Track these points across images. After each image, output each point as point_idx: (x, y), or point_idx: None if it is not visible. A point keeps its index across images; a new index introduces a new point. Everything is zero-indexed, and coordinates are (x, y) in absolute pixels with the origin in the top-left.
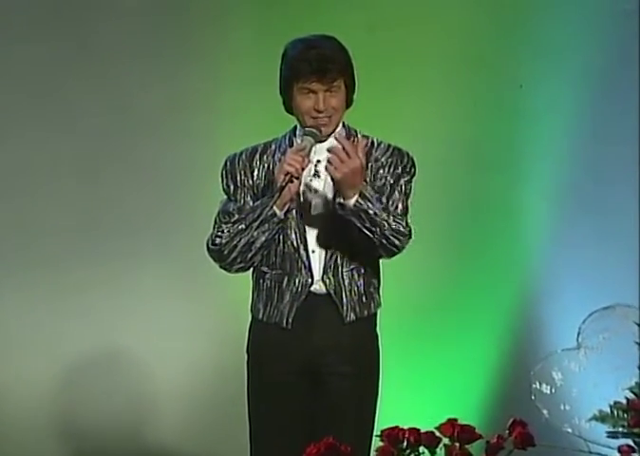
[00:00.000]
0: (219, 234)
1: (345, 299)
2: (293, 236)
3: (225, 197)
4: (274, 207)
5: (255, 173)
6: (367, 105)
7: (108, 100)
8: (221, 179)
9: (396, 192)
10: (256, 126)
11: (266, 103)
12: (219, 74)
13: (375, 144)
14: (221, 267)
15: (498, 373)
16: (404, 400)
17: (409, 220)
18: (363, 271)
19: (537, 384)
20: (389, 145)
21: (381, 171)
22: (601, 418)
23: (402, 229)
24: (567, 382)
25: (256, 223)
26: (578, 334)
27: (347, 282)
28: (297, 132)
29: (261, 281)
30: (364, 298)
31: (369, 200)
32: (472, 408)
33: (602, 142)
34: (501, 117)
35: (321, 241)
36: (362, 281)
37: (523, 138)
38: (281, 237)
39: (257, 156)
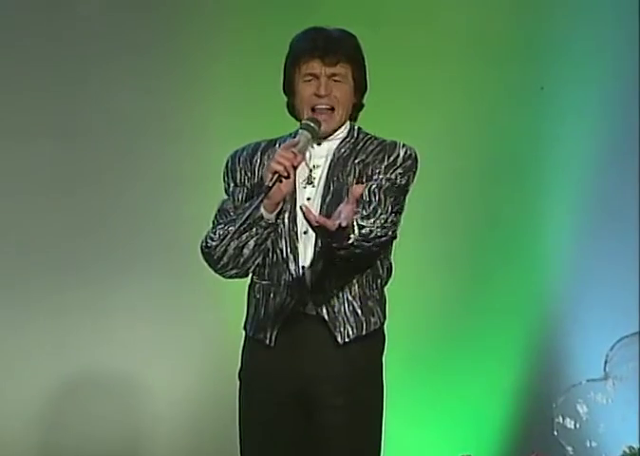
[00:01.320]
0: (212, 235)
1: (337, 318)
2: (283, 244)
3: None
4: (262, 209)
5: (255, 171)
6: (370, 109)
7: (103, 101)
8: (223, 176)
9: (384, 189)
10: (251, 125)
11: (261, 101)
12: (215, 73)
13: (367, 143)
14: (215, 271)
15: (516, 407)
16: (412, 436)
17: (395, 218)
18: (358, 283)
19: (560, 418)
20: (383, 141)
21: (369, 170)
22: None
23: (387, 234)
24: (593, 416)
25: (244, 226)
26: (606, 363)
27: (339, 299)
28: None
29: (252, 291)
30: (360, 314)
31: (361, 232)
32: (488, 445)
33: (630, 147)
34: (521, 121)
35: (312, 253)
36: (357, 295)
37: (545, 143)
38: (271, 244)
39: (259, 153)
